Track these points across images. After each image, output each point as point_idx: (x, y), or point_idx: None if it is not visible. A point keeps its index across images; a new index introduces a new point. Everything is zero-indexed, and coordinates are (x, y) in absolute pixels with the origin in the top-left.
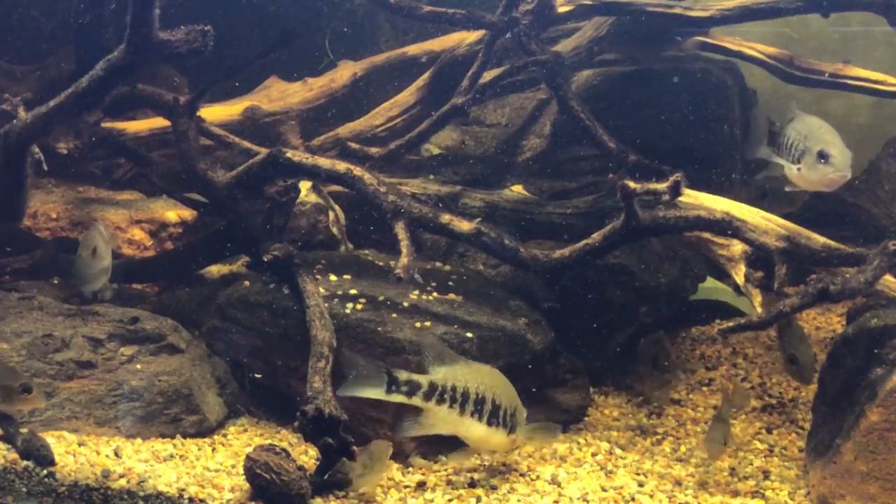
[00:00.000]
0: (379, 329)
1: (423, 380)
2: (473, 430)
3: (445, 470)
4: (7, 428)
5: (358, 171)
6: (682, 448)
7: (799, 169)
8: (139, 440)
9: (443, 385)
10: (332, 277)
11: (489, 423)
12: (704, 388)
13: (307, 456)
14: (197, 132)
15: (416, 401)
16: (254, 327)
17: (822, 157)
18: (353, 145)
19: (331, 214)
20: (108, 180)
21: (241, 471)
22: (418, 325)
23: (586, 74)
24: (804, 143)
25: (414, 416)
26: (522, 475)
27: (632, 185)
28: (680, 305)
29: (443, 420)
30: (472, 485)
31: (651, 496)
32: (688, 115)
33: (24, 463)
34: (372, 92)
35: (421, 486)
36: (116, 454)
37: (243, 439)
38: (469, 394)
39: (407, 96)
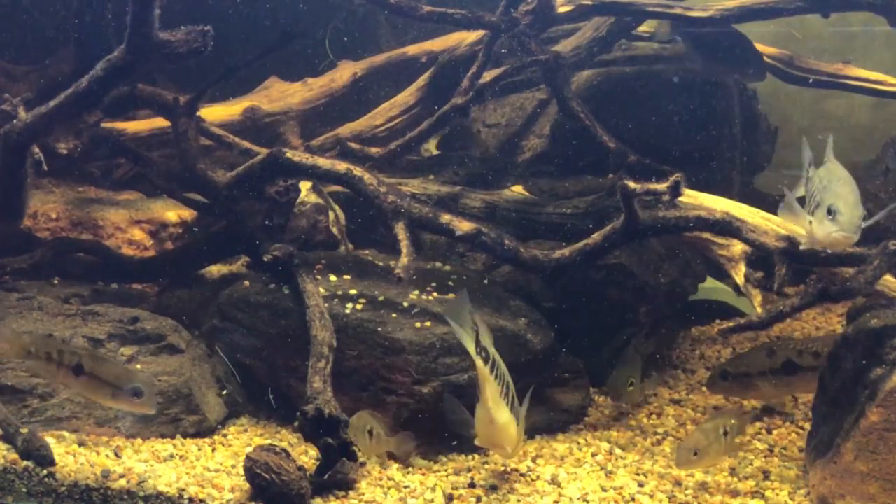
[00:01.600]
0: (379, 329)
1: (490, 349)
2: (502, 413)
3: (445, 470)
4: (7, 428)
5: (358, 171)
6: None
7: (811, 222)
8: (139, 440)
9: (497, 360)
10: (332, 277)
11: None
12: (704, 389)
13: (307, 456)
14: (197, 132)
15: (486, 370)
16: (254, 327)
17: (830, 212)
18: (353, 145)
19: (331, 214)
20: (108, 180)
21: (241, 471)
22: (418, 325)
23: (586, 74)
24: (820, 194)
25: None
26: (522, 475)
27: (632, 185)
28: (680, 305)
29: (490, 392)
30: (472, 485)
31: (651, 496)
32: (688, 115)
33: (24, 463)
34: (372, 92)
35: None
36: (116, 454)
37: (243, 439)
38: (504, 375)
39: (407, 96)
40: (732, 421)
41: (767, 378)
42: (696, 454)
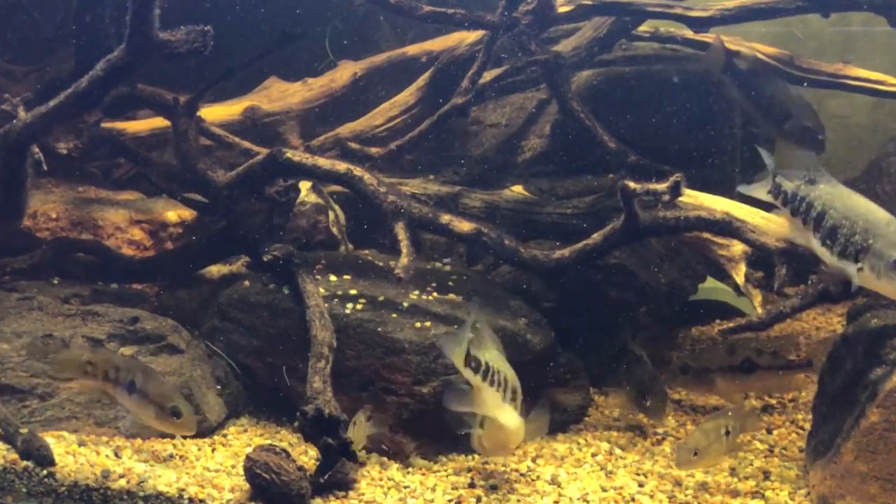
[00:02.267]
0: (379, 329)
1: (482, 358)
2: (510, 416)
3: (445, 470)
4: (7, 428)
5: (358, 171)
6: None
7: (860, 269)
8: (139, 440)
9: (492, 366)
10: (332, 277)
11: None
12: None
13: (307, 456)
14: (197, 132)
15: (477, 378)
16: (254, 327)
17: None
18: (353, 145)
19: (331, 214)
20: (108, 180)
21: (241, 471)
22: (418, 325)
23: (586, 74)
24: (864, 238)
25: (459, 390)
26: (522, 475)
27: (632, 185)
28: (680, 305)
29: (489, 400)
30: (472, 485)
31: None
32: (688, 115)
33: (24, 463)
34: (372, 92)
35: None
36: (116, 454)
37: (243, 439)
38: (508, 381)
39: (407, 96)
40: (733, 421)
41: (726, 374)
42: (696, 454)
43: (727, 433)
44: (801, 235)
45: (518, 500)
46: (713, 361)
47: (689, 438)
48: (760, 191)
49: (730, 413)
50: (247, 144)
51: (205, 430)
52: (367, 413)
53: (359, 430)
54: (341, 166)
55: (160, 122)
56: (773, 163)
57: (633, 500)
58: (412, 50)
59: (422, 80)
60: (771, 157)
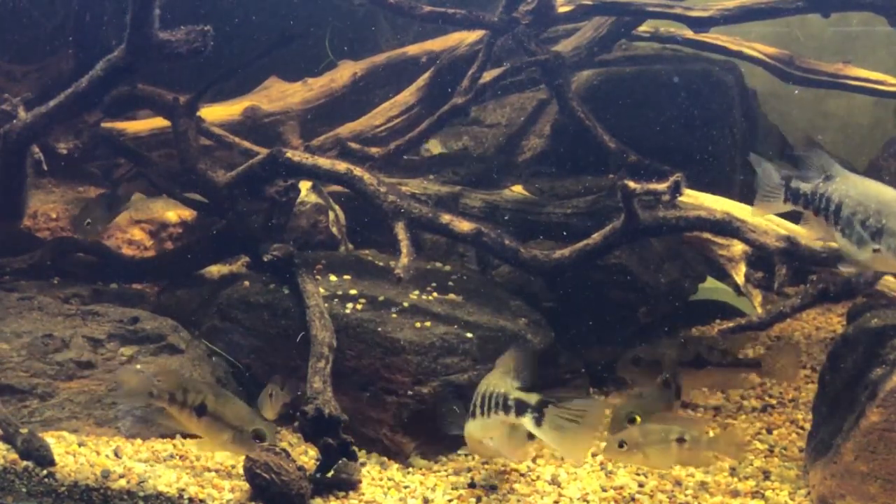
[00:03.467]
0: (379, 329)
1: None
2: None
3: (445, 470)
4: (7, 428)
5: (358, 171)
6: None
7: (877, 250)
8: (139, 440)
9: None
10: (332, 277)
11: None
12: (704, 389)
13: (307, 456)
14: (197, 132)
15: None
16: (254, 327)
17: None
18: (353, 145)
19: (331, 214)
20: (108, 180)
21: (241, 471)
22: (418, 325)
23: (586, 74)
24: (878, 220)
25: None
26: (522, 475)
27: (632, 185)
28: (680, 305)
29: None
30: (472, 485)
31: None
32: (688, 116)
33: (24, 463)
34: (372, 92)
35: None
36: (116, 454)
37: None
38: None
39: (407, 96)
40: (689, 432)
41: (676, 369)
42: (621, 446)
43: (681, 441)
44: (828, 233)
45: (518, 500)
46: (665, 355)
47: (629, 430)
48: (776, 205)
49: (685, 426)
50: (247, 144)
51: None
52: (277, 384)
53: (276, 401)
54: (341, 166)
55: (160, 122)
56: (777, 172)
57: (633, 500)
58: (412, 50)
59: (422, 80)
60: (773, 167)
